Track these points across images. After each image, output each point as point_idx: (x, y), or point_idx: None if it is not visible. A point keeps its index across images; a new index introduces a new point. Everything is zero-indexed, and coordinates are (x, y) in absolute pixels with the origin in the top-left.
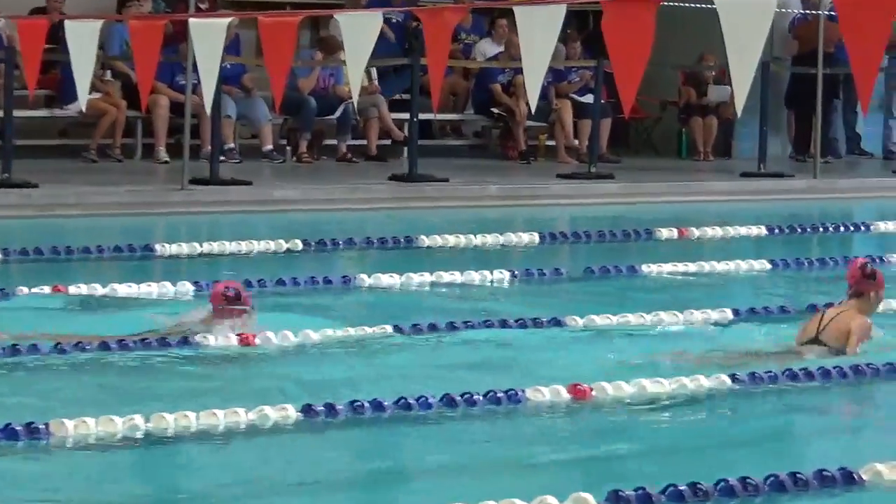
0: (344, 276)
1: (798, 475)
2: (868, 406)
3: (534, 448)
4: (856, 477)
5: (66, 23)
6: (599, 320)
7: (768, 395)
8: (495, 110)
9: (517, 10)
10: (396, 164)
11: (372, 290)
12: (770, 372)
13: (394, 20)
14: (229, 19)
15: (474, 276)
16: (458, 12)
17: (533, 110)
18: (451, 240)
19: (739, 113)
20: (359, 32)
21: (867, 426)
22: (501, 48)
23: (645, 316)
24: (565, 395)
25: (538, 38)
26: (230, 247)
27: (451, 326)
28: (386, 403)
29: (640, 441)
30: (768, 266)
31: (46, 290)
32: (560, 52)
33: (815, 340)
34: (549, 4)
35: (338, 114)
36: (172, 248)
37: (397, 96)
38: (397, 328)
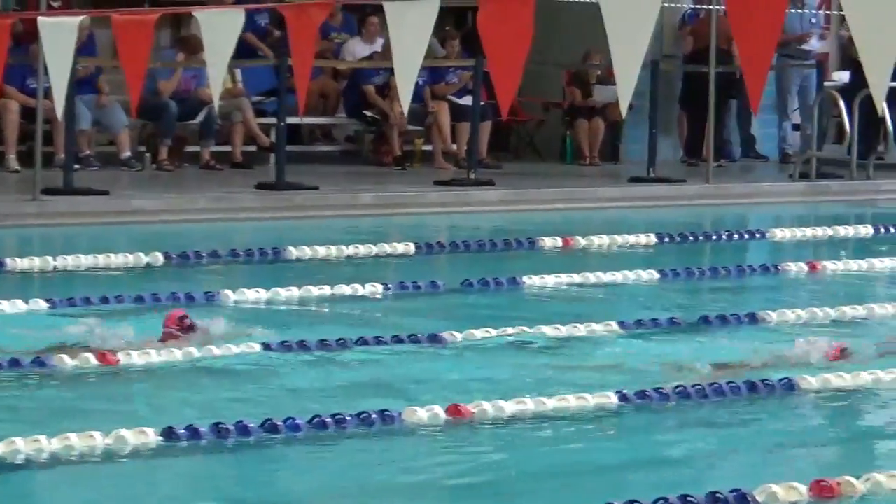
0: (207, 292)
1: (689, 498)
2: (763, 424)
3: (409, 473)
4: (749, 499)
5: None
6: (479, 335)
7: (657, 413)
8: (368, 113)
9: (387, 6)
10: (263, 172)
11: (237, 306)
12: (660, 389)
13: (261, 24)
14: (81, 18)
15: (346, 290)
16: (324, 8)
17: (405, 112)
18: (322, 251)
19: (625, 114)
20: (219, 30)
21: (761, 445)
22: (375, 47)
23: (527, 330)
24: (443, 415)
25: (410, 36)
26: (86, 261)
27: (322, 344)
28: (251, 426)
29: (520, 463)
30: (657, 276)
31: None
32: (437, 50)
33: None
34: (421, 0)
35: (200, 118)
36: (24, 263)
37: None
38: (265, 346)
